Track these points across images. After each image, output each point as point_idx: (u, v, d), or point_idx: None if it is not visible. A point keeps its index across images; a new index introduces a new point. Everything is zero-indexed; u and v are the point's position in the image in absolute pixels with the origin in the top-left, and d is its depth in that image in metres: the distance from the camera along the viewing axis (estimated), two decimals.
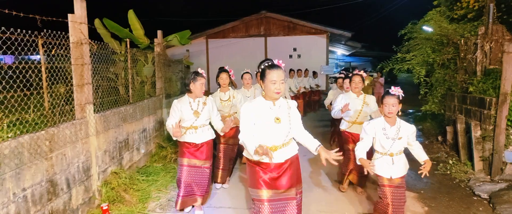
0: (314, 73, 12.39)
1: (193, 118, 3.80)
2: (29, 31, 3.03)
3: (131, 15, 7.92)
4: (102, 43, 4.72)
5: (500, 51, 6.17)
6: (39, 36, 3.10)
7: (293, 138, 2.87)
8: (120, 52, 7.89)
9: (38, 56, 3.41)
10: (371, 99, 4.46)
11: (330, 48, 24.63)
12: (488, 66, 6.18)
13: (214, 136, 4.05)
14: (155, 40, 7.10)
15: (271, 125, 2.67)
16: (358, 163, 3.25)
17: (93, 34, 7.93)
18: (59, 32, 3.60)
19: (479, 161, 5.19)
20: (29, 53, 3.09)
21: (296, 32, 17.18)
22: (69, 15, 3.81)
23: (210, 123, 4.05)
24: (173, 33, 8.61)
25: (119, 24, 7.88)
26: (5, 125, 2.91)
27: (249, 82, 5.34)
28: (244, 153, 2.92)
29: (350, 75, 4.70)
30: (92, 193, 3.91)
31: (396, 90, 3.12)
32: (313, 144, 2.79)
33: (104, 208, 3.49)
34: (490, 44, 6.47)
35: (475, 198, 4.36)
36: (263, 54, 17.21)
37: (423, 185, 4.82)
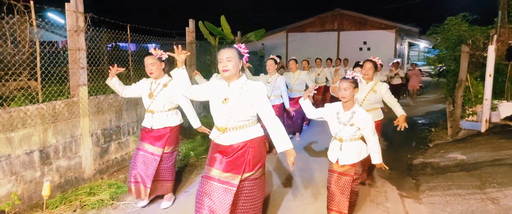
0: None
1: (148, 100, 3.61)
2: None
3: (222, 19, 11.29)
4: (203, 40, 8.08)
5: (505, 50, 7.97)
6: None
7: (254, 123, 2.72)
8: (215, 45, 11.44)
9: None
10: (382, 88, 4.09)
11: (412, 41, 25.43)
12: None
13: (177, 123, 3.72)
14: (236, 38, 10.28)
15: (219, 105, 2.64)
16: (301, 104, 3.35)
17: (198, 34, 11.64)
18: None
19: (450, 128, 7.25)
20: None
21: (366, 27, 18.99)
22: (187, 28, 7.15)
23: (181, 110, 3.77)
24: (260, 27, 11.92)
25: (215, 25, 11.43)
26: None
27: (270, 69, 5.68)
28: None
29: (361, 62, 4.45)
30: None
31: (351, 75, 3.05)
32: (280, 144, 2.61)
33: None
34: (497, 44, 8.22)
35: (425, 148, 6.56)
36: (336, 47, 19.47)
37: (400, 140, 7.11)
